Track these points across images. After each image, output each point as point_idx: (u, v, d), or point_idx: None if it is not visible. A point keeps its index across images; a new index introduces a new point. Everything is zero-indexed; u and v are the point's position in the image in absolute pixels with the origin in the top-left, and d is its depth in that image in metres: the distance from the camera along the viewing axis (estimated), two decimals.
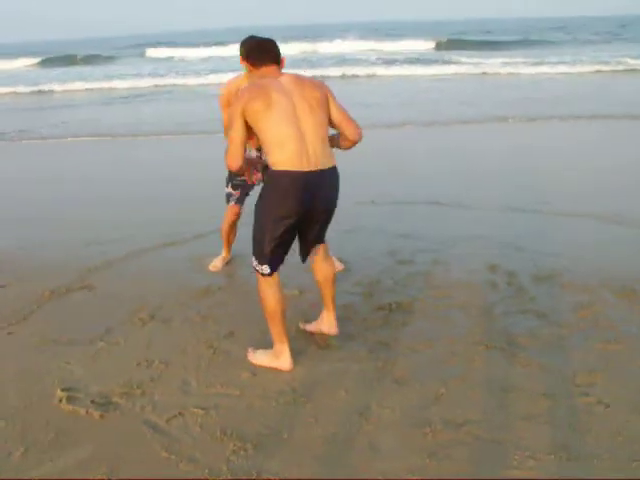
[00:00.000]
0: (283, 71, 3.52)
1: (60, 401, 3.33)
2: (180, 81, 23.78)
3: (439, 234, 5.78)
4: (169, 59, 38.92)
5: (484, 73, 22.70)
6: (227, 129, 3.50)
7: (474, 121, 12.27)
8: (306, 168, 3.31)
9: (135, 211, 6.94)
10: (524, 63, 24.58)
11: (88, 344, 3.96)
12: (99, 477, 2.76)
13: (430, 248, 5.40)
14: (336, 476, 2.75)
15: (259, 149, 4.47)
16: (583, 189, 7.21)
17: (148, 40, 60.62)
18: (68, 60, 39.29)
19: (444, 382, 3.39)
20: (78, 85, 23.29)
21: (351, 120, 3.53)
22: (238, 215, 4.98)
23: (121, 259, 5.43)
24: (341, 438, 2.99)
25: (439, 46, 38.72)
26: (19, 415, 3.25)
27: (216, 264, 5.17)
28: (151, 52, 44.09)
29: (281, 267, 3.61)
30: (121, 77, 25.61)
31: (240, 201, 4.93)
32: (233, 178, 4.83)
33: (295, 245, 3.68)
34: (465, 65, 25.00)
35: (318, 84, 3.46)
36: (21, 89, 23.01)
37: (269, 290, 3.55)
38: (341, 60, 29.93)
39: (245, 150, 3.48)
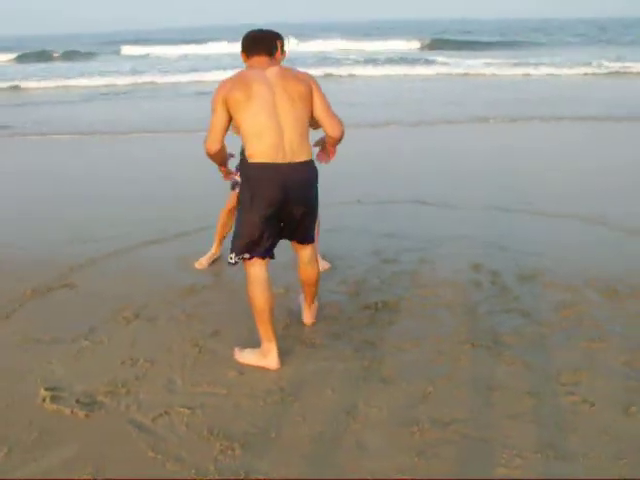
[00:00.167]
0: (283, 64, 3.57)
1: (44, 400, 3.28)
2: (160, 79, 23.56)
3: (424, 233, 5.80)
4: (145, 57, 38.45)
5: (467, 74, 22.80)
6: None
7: (458, 121, 12.33)
8: (280, 160, 3.37)
9: (119, 209, 6.88)
10: (507, 64, 24.77)
11: (71, 343, 3.92)
12: (84, 477, 2.73)
13: (415, 247, 5.41)
14: (324, 475, 2.74)
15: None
16: (566, 189, 7.27)
17: (123, 38, 59.78)
18: (45, 56, 38.76)
19: (431, 381, 3.39)
20: (58, 82, 22.97)
21: (333, 116, 3.54)
22: None
23: (105, 257, 5.38)
24: (329, 437, 2.98)
25: (423, 46, 38.88)
26: (1, 415, 3.20)
27: (202, 261, 5.14)
28: (127, 50, 43.44)
29: (270, 267, 3.61)
30: (101, 74, 25.32)
31: None
32: None
33: (282, 244, 3.69)
34: (448, 66, 25.10)
35: (303, 78, 3.47)
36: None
37: (258, 288, 3.55)
38: (322, 59, 29.88)
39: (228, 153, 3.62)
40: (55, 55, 39.57)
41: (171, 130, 12.26)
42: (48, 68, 29.87)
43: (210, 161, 3.70)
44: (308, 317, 4.11)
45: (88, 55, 40.53)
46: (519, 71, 22.75)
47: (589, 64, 23.72)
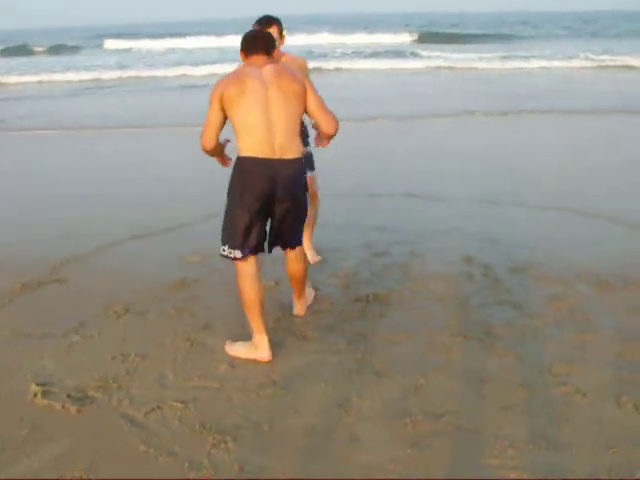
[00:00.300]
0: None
1: (35, 396, 3.26)
2: (145, 72, 23.34)
3: (415, 226, 5.80)
4: (128, 50, 38.03)
5: (457, 67, 22.77)
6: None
7: (449, 115, 12.30)
8: (270, 156, 3.42)
9: (108, 205, 6.81)
10: (498, 57, 24.76)
11: (62, 337, 3.89)
12: (77, 472, 2.71)
13: (406, 240, 5.41)
14: (317, 468, 2.73)
15: None
16: (558, 183, 7.27)
17: (105, 32, 59.24)
18: (27, 50, 38.43)
19: (423, 373, 3.40)
20: (43, 76, 22.70)
21: (327, 113, 3.59)
22: None
23: (95, 252, 5.34)
24: (322, 430, 2.98)
25: (412, 39, 38.85)
26: None
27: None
28: (109, 43, 43.03)
29: (260, 260, 3.60)
30: (87, 69, 25.02)
31: None
32: None
33: None
34: (437, 59, 25.04)
35: (297, 77, 3.52)
36: None
37: (247, 281, 3.56)
38: (308, 53, 29.73)
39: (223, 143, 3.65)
40: (38, 49, 39.20)
41: (159, 125, 12.17)
42: (30, 62, 29.62)
43: (205, 154, 3.73)
44: (299, 309, 4.12)
45: (73, 49, 40.21)
46: (511, 64, 22.70)
47: (578, 56, 23.76)
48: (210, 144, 3.56)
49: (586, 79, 19.04)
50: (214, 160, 3.85)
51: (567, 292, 4.36)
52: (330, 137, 3.70)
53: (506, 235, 5.51)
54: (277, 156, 3.43)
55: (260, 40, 3.55)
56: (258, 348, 3.59)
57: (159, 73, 23.05)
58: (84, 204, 6.87)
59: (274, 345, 3.63)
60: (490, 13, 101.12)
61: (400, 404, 3.15)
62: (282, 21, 4.31)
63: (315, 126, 3.76)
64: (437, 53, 27.30)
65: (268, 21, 4.24)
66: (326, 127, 3.60)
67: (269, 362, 3.56)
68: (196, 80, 20.16)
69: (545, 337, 3.78)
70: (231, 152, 3.73)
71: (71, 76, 22.79)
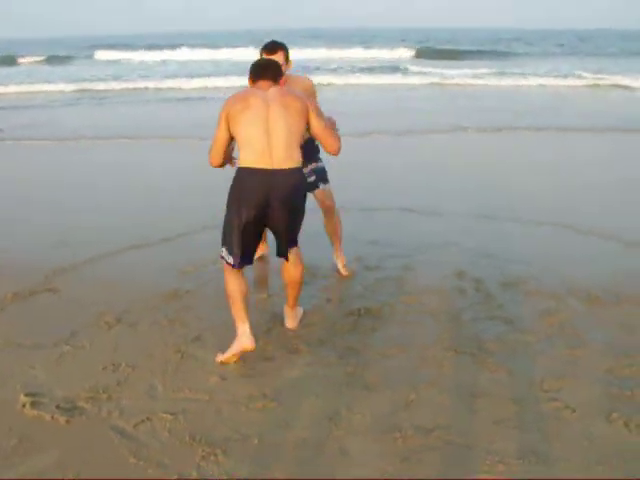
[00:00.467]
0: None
1: (24, 406, 3.24)
2: (135, 84, 23.28)
3: (409, 241, 5.80)
4: (117, 62, 37.78)
5: (454, 84, 22.87)
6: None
7: (444, 130, 12.35)
8: (267, 166, 3.53)
9: (102, 214, 6.81)
10: (495, 74, 24.99)
11: (53, 347, 3.88)
12: None
13: (399, 254, 5.41)
14: None
15: None
16: (553, 199, 7.29)
17: (94, 42, 59.14)
18: (9, 60, 38.27)
19: (414, 387, 3.40)
20: (37, 87, 22.66)
21: (330, 134, 3.78)
22: None
23: (87, 262, 5.33)
24: (311, 443, 2.97)
25: (409, 55, 39.04)
26: None
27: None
28: (100, 54, 42.93)
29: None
30: (76, 80, 24.91)
31: None
32: None
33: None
34: (434, 75, 25.14)
35: (300, 97, 3.68)
36: None
37: (232, 276, 3.71)
38: (304, 68, 29.82)
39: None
40: (29, 60, 39.08)
41: (152, 136, 12.16)
42: (26, 72, 29.57)
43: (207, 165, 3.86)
44: (290, 322, 4.13)
45: (63, 59, 40.17)
46: (508, 82, 22.85)
47: (572, 74, 23.94)
48: (217, 161, 3.77)
49: (580, 97, 19.15)
50: (212, 171, 3.93)
51: (559, 307, 4.36)
52: (334, 155, 3.88)
53: (501, 250, 5.52)
54: (274, 166, 3.53)
55: (269, 69, 3.70)
56: (241, 337, 3.65)
57: (151, 84, 22.99)
58: (82, 213, 6.85)
59: (265, 358, 3.64)
60: (486, 29, 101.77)
61: (390, 418, 3.15)
62: (277, 35, 4.40)
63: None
64: (430, 69, 27.42)
65: (274, 47, 4.30)
66: (329, 148, 3.83)
67: (253, 350, 3.63)
68: (189, 93, 20.22)
69: (536, 352, 3.79)
70: None
71: (74, 85, 22.77)
